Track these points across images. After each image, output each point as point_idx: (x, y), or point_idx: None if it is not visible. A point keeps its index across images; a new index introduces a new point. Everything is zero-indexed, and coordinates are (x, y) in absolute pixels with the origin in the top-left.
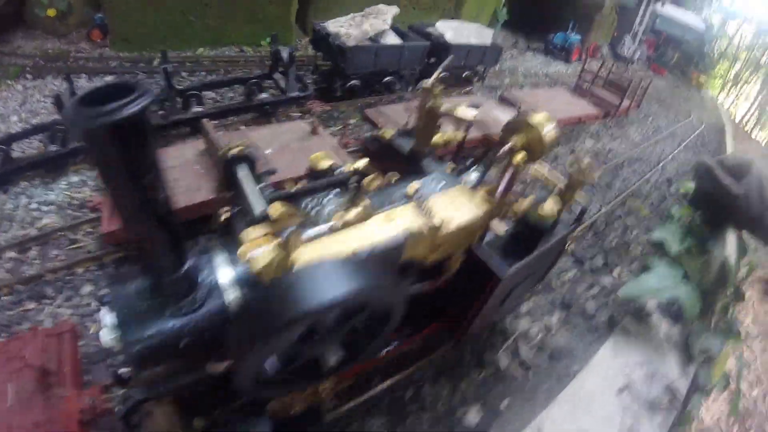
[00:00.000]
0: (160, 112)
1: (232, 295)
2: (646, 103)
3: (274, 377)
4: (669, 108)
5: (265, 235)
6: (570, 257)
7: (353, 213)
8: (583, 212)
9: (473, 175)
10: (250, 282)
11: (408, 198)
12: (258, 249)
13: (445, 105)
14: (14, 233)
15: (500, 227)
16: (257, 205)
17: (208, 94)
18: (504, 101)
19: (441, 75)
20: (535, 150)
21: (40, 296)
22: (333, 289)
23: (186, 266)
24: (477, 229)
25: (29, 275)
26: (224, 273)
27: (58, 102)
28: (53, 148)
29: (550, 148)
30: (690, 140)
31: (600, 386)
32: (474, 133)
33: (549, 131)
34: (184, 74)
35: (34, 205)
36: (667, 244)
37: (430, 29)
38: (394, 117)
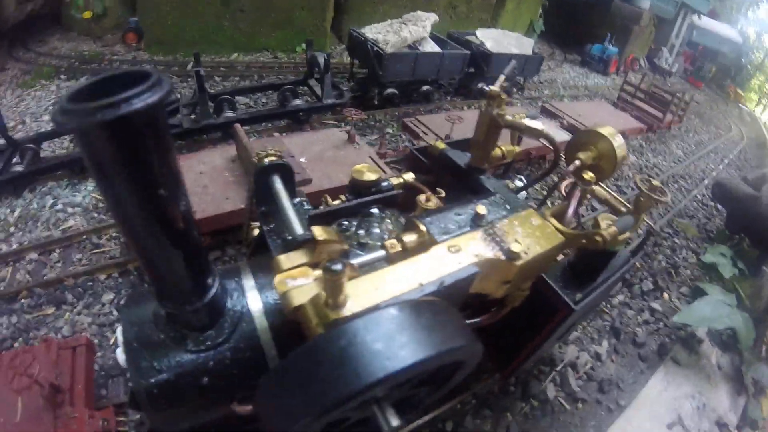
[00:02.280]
0: (192, 116)
1: (264, 327)
2: (687, 117)
3: None
4: (709, 122)
5: (304, 264)
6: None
7: (410, 239)
8: (649, 234)
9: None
10: (283, 318)
11: (474, 223)
12: (296, 281)
13: (509, 116)
14: (38, 234)
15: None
16: (297, 226)
17: (241, 99)
18: (545, 113)
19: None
20: (605, 167)
21: (60, 301)
22: (416, 348)
23: (211, 294)
24: (553, 257)
25: (50, 279)
26: (254, 300)
27: None
28: None
29: (620, 166)
30: (733, 156)
31: (649, 421)
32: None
33: (620, 145)
34: (217, 79)
35: (59, 206)
36: (721, 267)
37: (469, 38)
38: (434, 127)
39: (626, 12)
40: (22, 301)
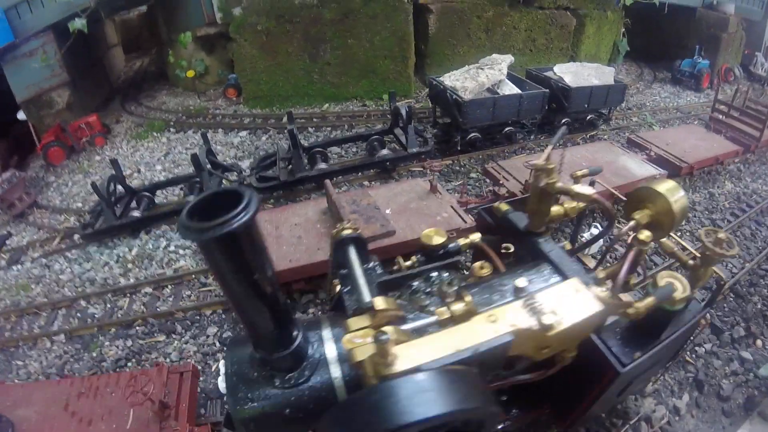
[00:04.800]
0: (288, 167)
1: (337, 372)
2: None
3: None
4: None
5: (367, 327)
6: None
7: (457, 308)
8: (719, 288)
9: (594, 250)
10: (351, 368)
11: (515, 294)
12: (359, 340)
13: (559, 184)
14: (152, 271)
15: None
16: (365, 293)
17: (334, 149)
18: (632, 145)
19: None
20: (664, 224)
21: (170, 331)
22: (430, 407)
23: (295, 344)
24: (593, 325)
25: (162, 311)
26: (330, 349)
27: (194, 161)
28: (191, 198)
29: (681, 220)
30: None
31: None
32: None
33: (678, 200)
34: (311, 130)
35: (172, 248)
36: None
37: (548, 74)
38: (515, 172)
39: (711, 20)
40: (137, 328)
